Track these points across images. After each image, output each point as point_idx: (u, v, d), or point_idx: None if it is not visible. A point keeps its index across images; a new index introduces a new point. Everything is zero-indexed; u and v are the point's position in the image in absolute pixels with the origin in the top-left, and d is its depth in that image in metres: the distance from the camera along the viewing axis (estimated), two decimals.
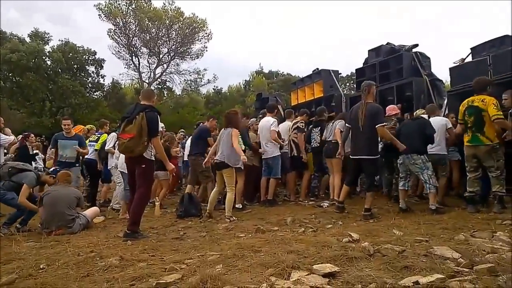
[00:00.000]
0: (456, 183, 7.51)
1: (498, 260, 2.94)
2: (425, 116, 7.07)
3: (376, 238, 4.23)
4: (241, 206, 7.61)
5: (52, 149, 8.15)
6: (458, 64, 8.79)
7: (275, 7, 78.44)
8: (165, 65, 37.83)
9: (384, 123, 6.27)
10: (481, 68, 7.62)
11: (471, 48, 8.79)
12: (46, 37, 30.60)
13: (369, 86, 6.41)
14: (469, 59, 8.76)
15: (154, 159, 5.46)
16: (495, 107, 5.82)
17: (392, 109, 7.82)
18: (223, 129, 7.03)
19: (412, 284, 2.59)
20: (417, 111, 7.61)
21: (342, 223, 5.68)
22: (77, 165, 8.18)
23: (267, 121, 8.23)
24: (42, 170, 8.98)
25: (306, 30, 77.01)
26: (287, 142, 8.51)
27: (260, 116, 9.68)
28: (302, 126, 8.48)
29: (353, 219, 6.09)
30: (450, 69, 8.52)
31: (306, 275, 2.92)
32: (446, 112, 8.13)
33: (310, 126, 8.96)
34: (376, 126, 6.07)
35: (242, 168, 6.98)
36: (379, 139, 6.70)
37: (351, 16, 79.97)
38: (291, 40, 75.09)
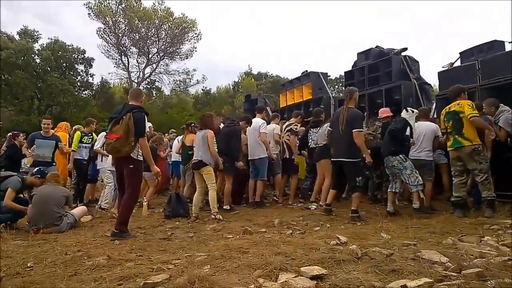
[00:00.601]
0: (447, 186, 7.47)
1: (486, 265, 2.94)
2: (406, 117, 7.08)
3: (364, 241, 4.22)
4: (228, 208, 7.57)
5: (33, 147, 7.95)
6: (446, 68, 8.88)
7: (273, 7, 78.72)
8: (154, 65, 37.85)
9: (361, 129, 6.32)
10: (469, 73, 7.70)
11: (460, 53, 8.88)
12: (35, 35, 30.40)
13: (351, 92, 6.56)
14: (458, 63, 8.84)
15: (142, 159, 5.40)
16: (469, 107, 5.91)
17: (383, 111, 7.84)
18: (198, 131, 7.18)
19: (400, 287, 2.58)
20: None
21: (329, 226, 5.68)
22: (54, 164, 8.05)
23: (256, 122, 8.20)
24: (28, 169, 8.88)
25: (306, 30, 77.79)
26: (273, 145, 8.40)
27: None
28: (296, 128, 8.48)
29: (341, 221, 6.11)
30: (439, 73, 8.60)
31: (293, 277, 2.90)
32: (435, 116, 8.17)
33: (307, 127, 8.80)
34: (353, 131, 6.16)
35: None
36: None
37: (351, 16, 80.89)
38: (285, 41, 75.88)
